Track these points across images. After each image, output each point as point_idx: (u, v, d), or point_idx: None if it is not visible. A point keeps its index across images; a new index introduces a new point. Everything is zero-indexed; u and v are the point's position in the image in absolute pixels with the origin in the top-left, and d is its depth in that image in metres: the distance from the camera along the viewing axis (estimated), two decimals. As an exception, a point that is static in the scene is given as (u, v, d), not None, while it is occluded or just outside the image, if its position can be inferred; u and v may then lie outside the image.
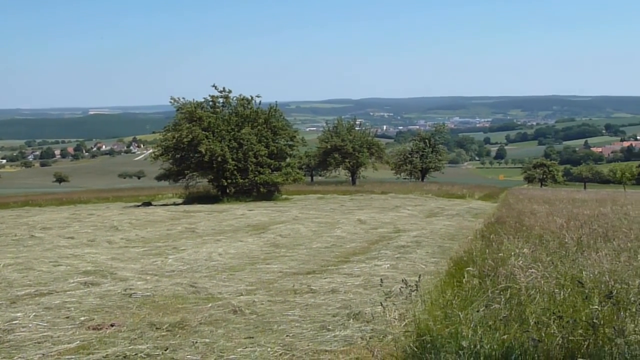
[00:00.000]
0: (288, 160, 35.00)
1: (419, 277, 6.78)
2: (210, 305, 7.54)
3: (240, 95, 34.40)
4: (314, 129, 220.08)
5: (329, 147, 53.47)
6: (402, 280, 6.55)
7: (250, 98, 34.29)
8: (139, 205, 31.22)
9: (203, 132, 31.11)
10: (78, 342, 6.07)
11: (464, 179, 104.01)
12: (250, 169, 31.50)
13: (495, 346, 4.86)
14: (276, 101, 36.31)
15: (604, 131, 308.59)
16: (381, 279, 7.39)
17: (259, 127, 32.93)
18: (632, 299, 5.74)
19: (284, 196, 33.82)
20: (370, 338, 5.92)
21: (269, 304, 7.59)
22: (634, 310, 5.43)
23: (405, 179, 62.25)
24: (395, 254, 11.91)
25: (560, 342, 4.85)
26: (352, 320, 6.62)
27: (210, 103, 33.90)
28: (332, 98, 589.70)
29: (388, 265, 10.50)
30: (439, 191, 37.97)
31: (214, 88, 33.83)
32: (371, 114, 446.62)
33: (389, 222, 18.91)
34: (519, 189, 53.89)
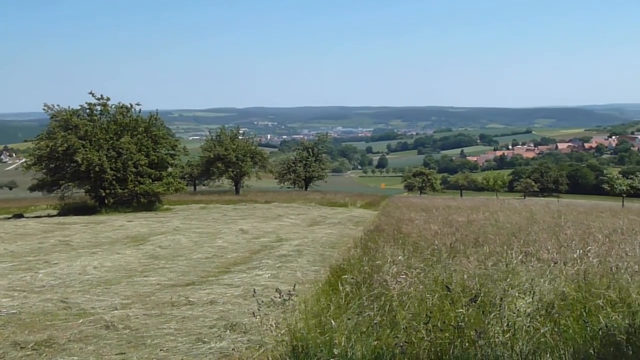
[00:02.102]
0: (169, 169, 34.25)
1: (294, 286, 6.83)
2: (81, 321, 7.25)
3: (119, 103, 33.35)
4: (197, 137, 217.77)
5: (211, 156, 52.96)
6: (276, 290, 6.57)
7: (129, 106, 33.31)
8: (9, 218, 29.53)
9: (79, 141, 29.90)
10: None
11: (347, 187, 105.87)
12: (130, 178, 30.59)
13: (366, 352, 4.97)
14: (157, 109, 35.52)
15: (478, 141, 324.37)
16: (254, 289, 7.35)
17: (139, 135, 32.06)
18: (497, 301, 6.01)
19: (165, 206, 33.10)
20: (245, 349, 5.89)
21: (144, 318, 7.39)
22: (498, 312, 5.70)
23: (289, 187, 62.64)
24: (276, 263, 11.94)
25: (427, 345, 5.03)
26: (228, 331, 6.56)
27: (87, 111, 32.57)
28: (216, 107, 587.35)
29: (269, 274, 10.51)
30: (322, 200, 38.41)
31: (91, 95, 32.64)
32: (255, 123, 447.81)
33: (271, 231, 18.93)
34: (399, 197, 55.53)
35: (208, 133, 59.77)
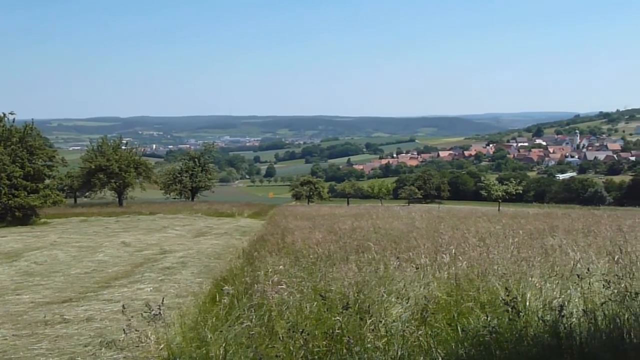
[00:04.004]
0: (47, 181, 32.84)
1: (162, 299, 6.71)
2: (-58, 345, 6.79)
3: (-11, 112, 31.66)
4: (78, 148, 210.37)
5: (93, 167, 50.92)
6: (146, 305, 6.42)
7: (2, 115, 31.70)
8: None
9: (-55, 153, 28.15)
10: None
11: (234, 197, 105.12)
12: (3, 191, 29.06)
13: (243, 364, 4.95)
14: (32, 119, 33.92)
15: (364, 150, 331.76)
16: (123, 305, 7.10)
17: (12, 146, 30.55)
18: (373, 307, 6.14)
19: (42, 220, 31.64)
20: (121, 366, 5.73)
21: (13, 339, 7.03)
22: (373, 318, 5.82)
23: (175, 198, 61.45)
24: (159, 276, 11.72)
25: (303, 353, 5.06)
26: (104, 349, 6.36)
27: (-46, 120, 30.77)
28: (98, 116, 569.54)
29: (151, 288, 10.29)
30: (209, 210, 38.02)
31: (-42, 104, 30.85)
32: (140, 132, 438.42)
33: (155, 244, 18.54)
34: (286, 206, 55.68)
35: (89, 143, 57.56)
